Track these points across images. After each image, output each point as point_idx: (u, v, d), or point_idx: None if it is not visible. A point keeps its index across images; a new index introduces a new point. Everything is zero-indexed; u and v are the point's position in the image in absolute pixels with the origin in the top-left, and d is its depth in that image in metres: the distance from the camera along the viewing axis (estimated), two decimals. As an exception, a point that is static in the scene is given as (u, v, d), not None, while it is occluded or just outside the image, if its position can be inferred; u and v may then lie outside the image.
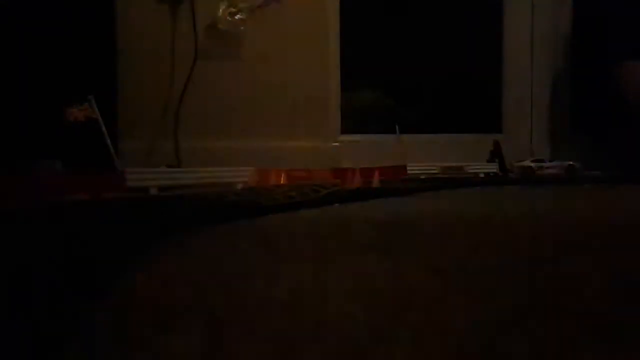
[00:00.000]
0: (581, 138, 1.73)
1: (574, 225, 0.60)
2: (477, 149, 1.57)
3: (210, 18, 1.47)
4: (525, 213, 0.71)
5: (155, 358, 0.21)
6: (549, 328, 0.23)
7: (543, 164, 1.53)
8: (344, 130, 1.71)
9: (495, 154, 1.50)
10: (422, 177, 1.40)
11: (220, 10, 1.45)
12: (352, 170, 1.18)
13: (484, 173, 1.47)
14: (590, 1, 1.71)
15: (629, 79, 1.50)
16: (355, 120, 1.78)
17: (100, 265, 0.36)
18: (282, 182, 1.17)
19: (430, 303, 0.28)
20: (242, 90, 1.52)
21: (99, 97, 0.86)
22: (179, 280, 0.33)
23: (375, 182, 1.14)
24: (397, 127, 1.46)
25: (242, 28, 1.47)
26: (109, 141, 0.87)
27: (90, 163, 0.79)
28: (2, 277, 0.31)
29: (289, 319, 0.25)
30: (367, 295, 0.29)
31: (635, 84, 1.49)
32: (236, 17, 1.45)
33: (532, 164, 1.52)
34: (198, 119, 1.49)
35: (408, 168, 1.39)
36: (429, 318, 0.25)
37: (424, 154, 1.59)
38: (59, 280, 0.31)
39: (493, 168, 1.47)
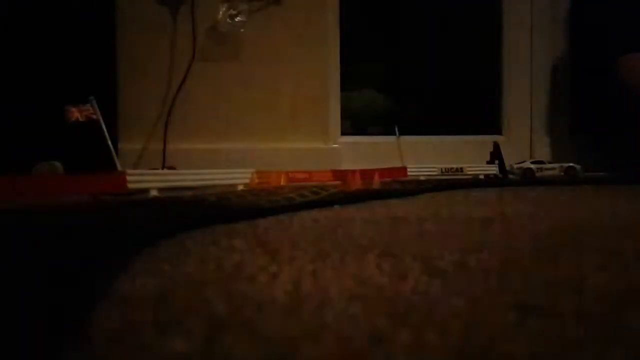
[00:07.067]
0: (581, 138, 1.72)
1: (574, 226, 0.60)
2: (477, 151, 1.57)
3: (210, 19, 1.47)
4: (525, 214, 0.71)
5: (155, 358, 0.21)
6: (549, 328, 0.23)
7: (543, 165, 1.53)
8: (344, 132, 1.71)
9: (495, 156, 1.49)
10: (422, 178, 1.40)
11: (221, 13, 1.45)
12: (352, 171, 1.18)
13: (484, 174, 1.47)
14: None
15: (630, 71, 1.50)
16: (355, 121, 1.78)
17: (100, 266, 0.36)
18: (282, 183, 1.17)
19: (430, 303, 0.28)
20: (242, 91, 1.52)
21: (98, 98, 0.86)
22: (178, 280, 0.33)
23: (376, 183, 1.14)
24: (396, 128, 1.46)
25: (242, 30, 1.47)
26: (109, 142, 0.87)
27: (91, 164, 0.79)
28: (1, 277, 0.31)
29: (289, 319, 0.25)
30: (367, 295, 0.29)
31: (637, 76, 1.48)
32: (236, 20, 1.45)
33: (532, 165, 1.52)
34: (198, 120, 1.49)
35: (408, 170, 1.39)
36: (429, 318, 0.25)
37: (424, 156, 1.59)
38: (59, 280, 0.31)
39: (493, 169, 1.47)
